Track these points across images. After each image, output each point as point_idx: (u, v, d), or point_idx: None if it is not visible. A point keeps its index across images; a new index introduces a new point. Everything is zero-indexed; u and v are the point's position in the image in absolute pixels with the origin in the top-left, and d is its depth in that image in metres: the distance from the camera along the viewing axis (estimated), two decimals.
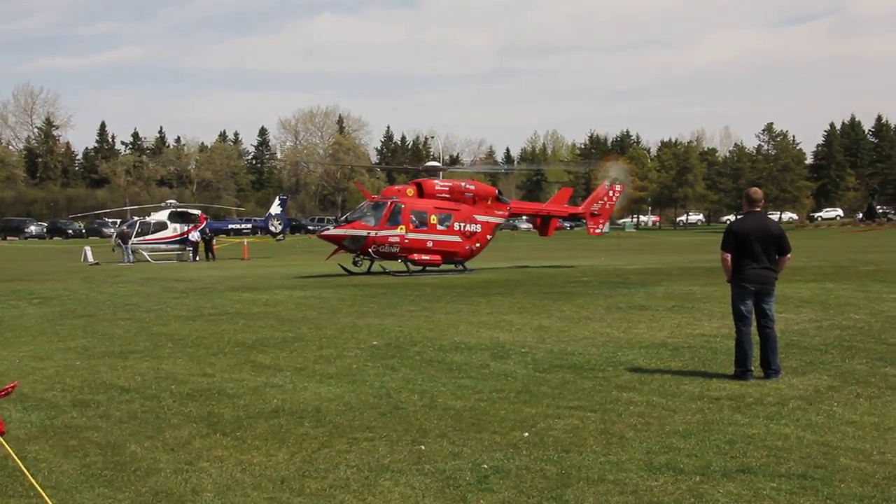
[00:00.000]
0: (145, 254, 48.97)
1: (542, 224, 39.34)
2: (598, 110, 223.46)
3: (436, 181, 34.49)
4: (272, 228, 56.01)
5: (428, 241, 33.06)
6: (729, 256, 11.19)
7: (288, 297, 22.75)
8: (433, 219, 33.22)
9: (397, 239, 32.45)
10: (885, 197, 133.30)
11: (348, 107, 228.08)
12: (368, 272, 33.25)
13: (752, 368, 10.96)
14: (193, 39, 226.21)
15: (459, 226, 33.71)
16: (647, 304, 19.28)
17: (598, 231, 40.62)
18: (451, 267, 34.01)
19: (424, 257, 33.16)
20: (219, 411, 9.60)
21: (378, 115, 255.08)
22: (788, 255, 11.29)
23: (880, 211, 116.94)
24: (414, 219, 32.88)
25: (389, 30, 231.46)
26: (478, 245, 34.61)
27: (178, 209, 52.69)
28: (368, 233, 32.14)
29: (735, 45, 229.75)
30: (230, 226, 63.16)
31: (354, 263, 33.12)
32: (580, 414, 9.18)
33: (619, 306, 19.10)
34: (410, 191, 33.96)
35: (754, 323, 11.20)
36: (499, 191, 36.86)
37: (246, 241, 55.73)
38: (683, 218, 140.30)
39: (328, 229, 34.48)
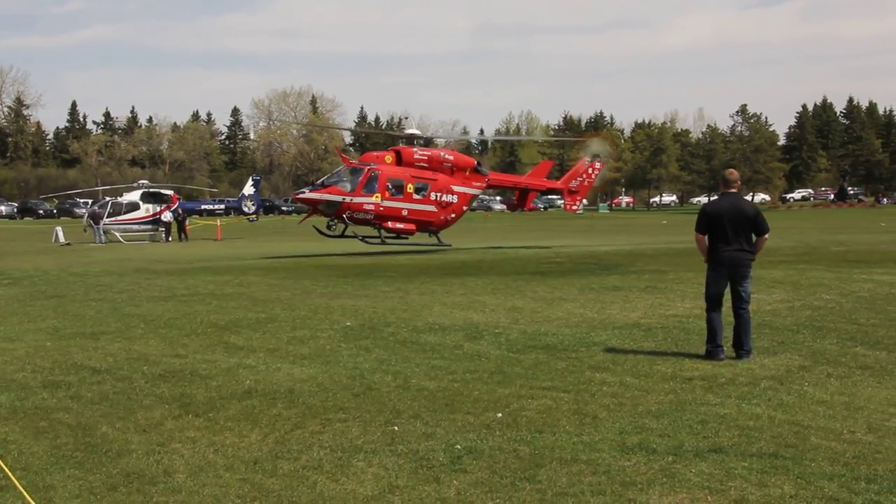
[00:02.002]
0: (117, 234, 48.63)
1: (520, 197, 39.33)
2: (573, 91, 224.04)
3: (415, 149, 34.43)
4: (245, 209, 55.84)
5: (403, 209, 33.16)
6: (704, 237, 11.25)
7: (261, 278, 22.66)
8: (409, 187, 33.29)
9: (372, 206, 32.51)
10: (856, 178, 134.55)
11: (322, 87, 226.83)
12: (342, 235, 33.36)
13: (723, 345, 11.02)
14: (166, 18, 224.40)
15: (436, 195, 33.80)
16: (621, 285, 19.33)
17: (574, 208, 40.53)
18: (425, 247, 34.04)
19: (399, 225, 33.30)
20: (191, 392, 9.55)
21: (352, 95, 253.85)
22: (766, 236, 11.24)
23: (851, 193, 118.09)
24: (390, 186, 32.89)
25: (364, 9, 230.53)
26: (453, 216, 34.69)
27: (151, 189, 52.38)
28: (343, 198, 32.16)
29: (709, 26, 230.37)
30: (203, 206, 62.90)
31: (328, 227, 33.28)
32: (553, 394, 9.19)
33: (592, 287, 19.14)
34: (389, 158, 33.89)
35: (728, 304, 11.24)
36: (478, 162, 36.90)
37: (219, 221, 55.45)
38: (657, 199, 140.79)
39: (304, 192, 34.31)
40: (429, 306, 16.41)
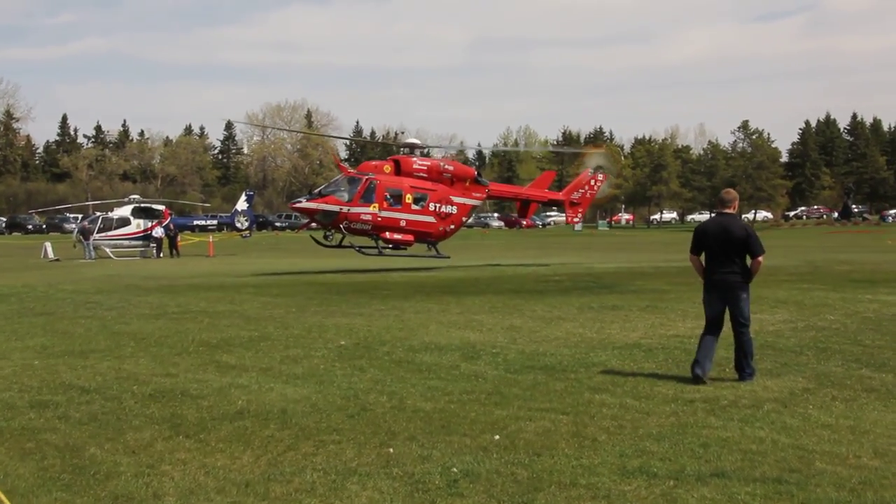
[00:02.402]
0: (107, 250, 48.56)
1: (522, 208, 39.65)
2: (572, 105, 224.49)
3: (414, 159, 34.51)
4: (238, 225, 55.75)
5: (401, 220, 33.22)
6: (697, 258, 11.28)
7: (254, 296, 22.62)
8: (408, 198, 33.34)
9: (370, 216, 32.50)
10: (861, 196, 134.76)
11: (317, 101, 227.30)
12: (339, 246, 33.44)
13: (701, 361, 10.84)
14: (159, 30, 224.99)
15: (434, 206, 33.89)
16: (621, 304, 19.31)
17: (576, 220, 40.71)
18: (422, 260, 34.06)
19: (396, 236, 33.35)
20: (182, 413, 9.51)
21: (347, 109, 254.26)
22: (760, 259, 11.02)
23: (856, 210, 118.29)
24: (388, 197, 32.92)
25: (361, 22, 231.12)
26: (452, 227, 34.91)
27: (142, 204, 52.33)
28: (341, 208, 32.14)
29: (710, 40, 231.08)
30: (195, 222, 62.77)
31: (325, 238, 33.38)
32: (552, 416, 9.16)
33: (591, 306, 19.12)
34: (388, 167, 33.93)
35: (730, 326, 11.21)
36: (478, 172, 37.02)
37: (211, 237, 55.42)
38: (657, 216, 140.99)
39: (300, 201, 33.84)
40: (425, 325, 16.38)
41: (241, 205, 56.66)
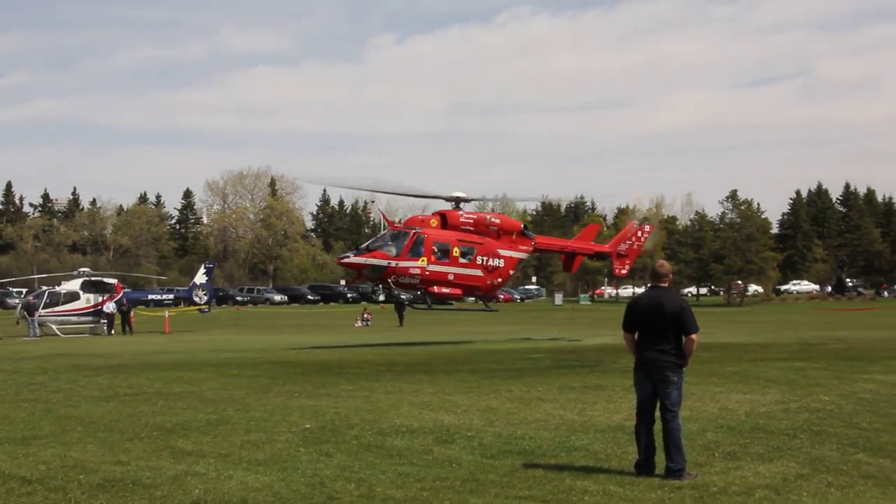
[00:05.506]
0: (54, 327, 48.28)
1: (567, 261, 40.91)
2: (551, 174, 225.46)
3: (460, 212, 35.76)
4: (197, 299, 55.65)
5: (449, 273, 34.43)
6: (631, 336, 11.03)
7: (213, 375, 22.50)
8: (455, 251, 34.63)
9: (418, 270, 33.68)
10: (855, 269, 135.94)
11: (281, 168, 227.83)
12: (388, 301, 36.41)
13: (645, 461, 10.67)
14: (114, 93, 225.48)
15: (482, 259, 35.14)
16: (603, 384, 19.33)
17: (623, 272, 41.93)
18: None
19: (444, 290, 34.73)
20: None
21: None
22: (693, 337, 10.66)
23: (850, 284, 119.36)
24: (436, 250, 34.24)
25: (329, 85, 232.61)
26: (500, 280, 36.32)
27: (92, 278, 52.20)
28: (389, 263, 33.39)
29: (698, 106, 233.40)
30: (150, 296, 62.63)
31: (373, 293, 35.14)
32: None
33: (572, 386, 19.14)
34: (434, 221, 35.24)
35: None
36: (524, 225, 38.27)
37: (167, 312, 55.20)
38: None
39: (348, 256, 35.47)
40: (396, 406, 16.34)
41: (200, 278, 56.64)
